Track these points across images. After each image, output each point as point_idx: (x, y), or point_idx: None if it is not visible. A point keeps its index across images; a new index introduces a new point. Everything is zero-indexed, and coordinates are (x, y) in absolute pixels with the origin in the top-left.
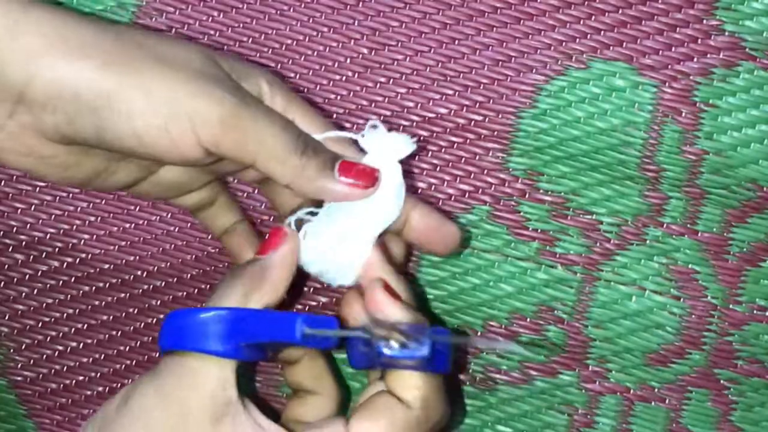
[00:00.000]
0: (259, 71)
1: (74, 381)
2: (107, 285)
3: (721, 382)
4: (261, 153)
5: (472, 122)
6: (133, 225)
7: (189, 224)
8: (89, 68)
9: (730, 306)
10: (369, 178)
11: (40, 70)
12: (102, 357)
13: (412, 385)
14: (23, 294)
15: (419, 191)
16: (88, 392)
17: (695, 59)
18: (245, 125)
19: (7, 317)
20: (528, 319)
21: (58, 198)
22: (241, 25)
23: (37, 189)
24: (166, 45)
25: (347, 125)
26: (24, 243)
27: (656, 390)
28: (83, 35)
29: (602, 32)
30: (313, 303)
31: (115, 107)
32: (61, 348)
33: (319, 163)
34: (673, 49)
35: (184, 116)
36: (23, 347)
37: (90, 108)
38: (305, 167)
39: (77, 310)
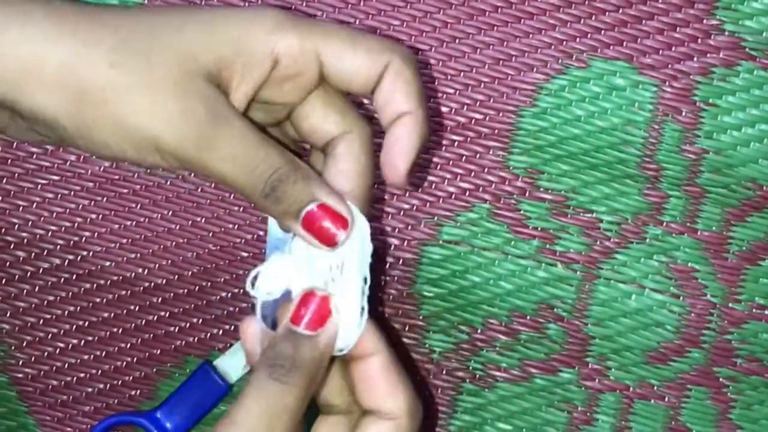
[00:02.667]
0: (260, 20)
1: (75, 378)
2: (108, 282)
3: (721, 380)
4: (228, 185)
5: (473, 121)
6: (134, 223)
7: (190, 222)
8: (64, 102)
9: (730, 304)
10: (329, 240)
11: (23, 94)
12: (103, 354)
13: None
14: (24, 291)
15: (420, 189)
16: (89, 389)
17: (695, 59)
18: (206, 165)
19: (8, 314)
20: (528, 317)
21: (59, 195)
22: None
23: (39, 186)
24: (159, 46)
25: None
26: (25, 240)
27: (656, 388)
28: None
29: (603, 31)
30: None
31: (92, 138)
32: (62, 345)
33: (283, 210)
34: (674, 48)
35: (152, 150)
36: (24, 344)
37: (70, 134)
38: (268, 209)
39: (78, 308)
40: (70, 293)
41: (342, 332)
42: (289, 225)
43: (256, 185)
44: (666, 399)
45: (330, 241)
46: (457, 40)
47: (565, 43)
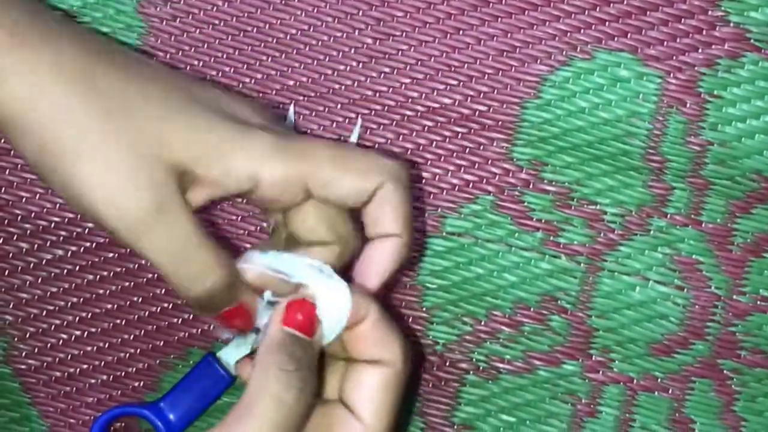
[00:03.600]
0: (259, 144)
1: (78, 369)
2: (111, 274)
3: (725, 372)
4: (161, 273)
5: (477, 112)
6: None
7: None
8: (31, 153)
9: (734, 297)
10: (238, 328)
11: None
12: (106, 345)
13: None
14: (27, 282)
15: (423, 182)
16: (92, 381)
17: (700, 50)
18: (140, 248)
19: (11, 306)
20: (531, 309)
21: None
22: (246, 15)
23: None
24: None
25: (351, 115)
26: (28, 232)
27: (659, 380)
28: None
29: (607, 23)
30: None
31: (53, 189)
32: (65, 337)
33: (205, 313)
34: (678, 39)
35: (92, 218)
36: (27, 336)
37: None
38: (191, 306)
39: (81, 299)
40: (74, 285)
41: (329, 324)
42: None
43: (189, 288)
44: (670, 391)
45: (240, 330)
46: (460, 31)
47: (569, 34)
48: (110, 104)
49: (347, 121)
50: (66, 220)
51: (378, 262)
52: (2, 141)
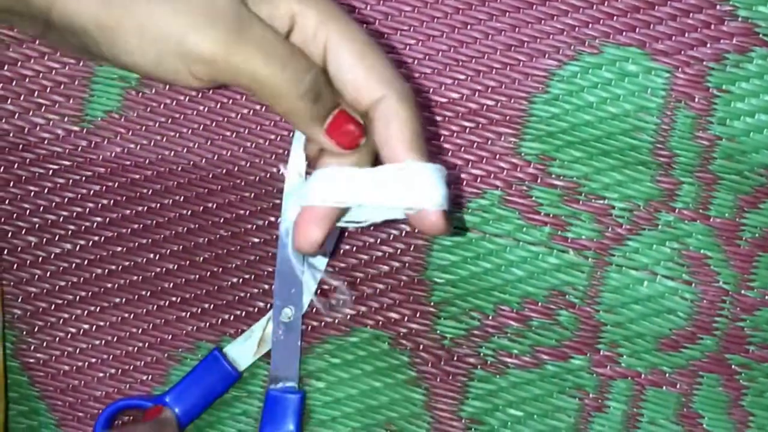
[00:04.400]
0: None
1: (86, 363)
2: (120, 268)
3: (733, 367)
4: (257, 90)
5: (485, 107)
6: (145, 208)
7: (202, 208)
8: (93, 5)
9: (742, 291)
10: (351, 142)
11: (55, 4)
12: (114, 339)
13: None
14: (36, 276)
15: None
16: (100, 374)
17: (708, 45)
18: (236, 64)
19: (20, 300)
20: (539, 304)
21: (71, 181)
22: None
23: (51, 172)
24: None
25: None
26: (37, 226)
27: (667, 375)
28: None
29: (615, 17)
30: (325, 287)
31: (116, 44)
32: (73, 330)
33: (312, 114)
34: (686, 34)
35: (174, 56)
36: (36, 329)
37: (97, 41)
38: (296, 113)
39: (90, 293)
40: (82, 279)
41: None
42: (312, 132)
43: (292, 85)
44: (678, 386)
45: (353, 144)
46: (468, 26)
47: (577, 29)
48: None
49: None
50: (74, 214)
51: (396, 148)
52: (5, 135)
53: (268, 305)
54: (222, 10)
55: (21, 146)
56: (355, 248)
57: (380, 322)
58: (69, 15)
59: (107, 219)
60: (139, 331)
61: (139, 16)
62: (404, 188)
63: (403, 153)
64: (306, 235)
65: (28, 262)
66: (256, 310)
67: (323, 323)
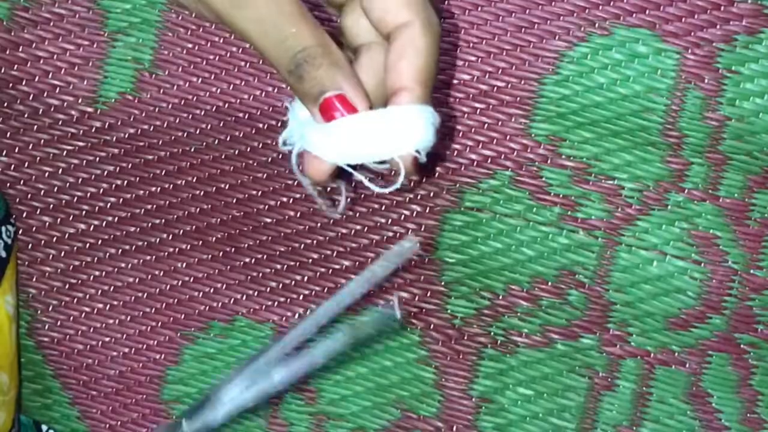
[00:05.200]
0: None
1: (100, 342)
2: (133, 248)
3: (742, 346)
4: (255, 48)
5: (495, 88)
6: (159, 189)
7: (214, 188)
8: None
9: (751, 271)
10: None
11: None
12: (128, 318)
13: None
14: (50, 256)
15: (442, 157)
16: (114, 353)
17: (718, 26)
18: (233, 19)
19: (34, 279)
20: (549, 283)
21: (85, 162)
22: None
23: (65, 153)
24: None
25: None
26: (51, 206)
27: (677, 354)
28: None
29: None
30: (337, 266)
31: None
32: (87, 309)
33: (303, 90)
34: (696, 16)
35: None
36: (50, 309)
37: None
38: (291, 85)
39: (104, 273)
40: (96, 258)
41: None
42: (307, 107)
43: (282, 58)
44: (687, 365)
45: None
46: (479, 8)
47: (587, 10)
48: None
49: None
50: (89, 194)
51: (404, 70)
52: (19, 116)
53: (281, 285)
54: None
55: (36, 127)
56: (366, 228)
57: (391, 302)
58: None
59: (121, 199)
60: (152, 310)
61: None
62: (392, 134)
63: (408, 81)
64: (314, 167)
65: (43, 242)
66: (268, 289)
67: None
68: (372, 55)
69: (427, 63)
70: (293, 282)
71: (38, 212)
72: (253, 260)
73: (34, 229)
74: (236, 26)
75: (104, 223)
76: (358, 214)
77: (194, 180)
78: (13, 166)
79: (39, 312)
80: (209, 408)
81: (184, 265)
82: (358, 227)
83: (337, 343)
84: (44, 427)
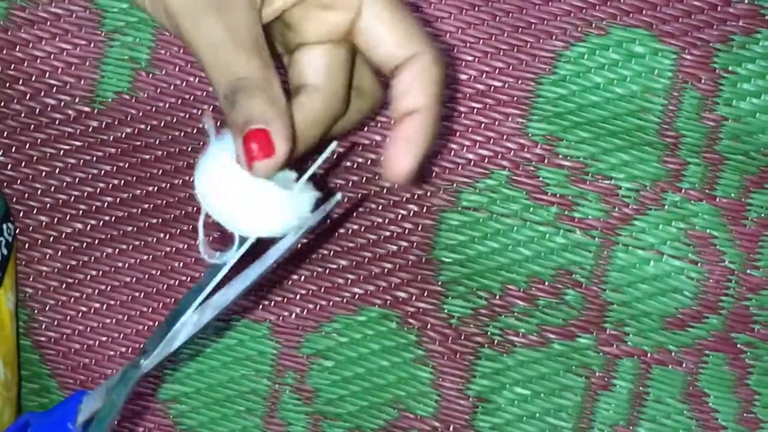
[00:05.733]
0: None
1: (97, 342)
2: (130, 247)
3: (738, 346)
4: (202, 67)
5: (492, 88)
6: (156, 188)
7: None
8: None
9: (748, 271)
10: (248, 163)
11: None
12: (125, 318)
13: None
14: (47, 256)
15: (439, 156)
16: (111, 353)
17: (715, 26)
18: (191, 37)
19: (31, 278)
20: (546, 283)
21: (82, 161)
22: None
23: (62, 152)
24: None
25: None
26: (48, 205)
27: (673, 353)
28: None
29: None
30: (333, 266)
31: None
32: (84, 309)
33: (232, 117)
34: (693, 16)
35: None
36: (47, 308)
37: None
38: (224, 109)
39: (100, 272)
40: (93, 258)
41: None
42: (233, 135)
43: (222, 81)
44: (684, 365)
45: (248, 165)
46: (476, 8)
47: (584, 10)
48: None
49: None
50: (86, 194)
51: (411, 142)
52: (16, 115)
53: (277, 284)
54: None
55: (33, 126)
56: (363, 228)
57: (388, 301)
58: None
59: (118, 199)
60: (149, 310)
61: None
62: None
63: (424, 102)
64: None
65: (40, 241)
66: (264, 288)
67: (331, 302)
68: (313, 98)
69: (439, 93)
70: (290, 281)
71: (35, 212)
72: None
73: (31, 228)
74: (191, 42)
75: (101, 223)
76: (354, 214)
77: (191, 179)
78: (10, 165)
79: (36, 311)
80: (166, 340)
81: (181, 264)
82: (355, 227)
83: (288, 241)
84: None
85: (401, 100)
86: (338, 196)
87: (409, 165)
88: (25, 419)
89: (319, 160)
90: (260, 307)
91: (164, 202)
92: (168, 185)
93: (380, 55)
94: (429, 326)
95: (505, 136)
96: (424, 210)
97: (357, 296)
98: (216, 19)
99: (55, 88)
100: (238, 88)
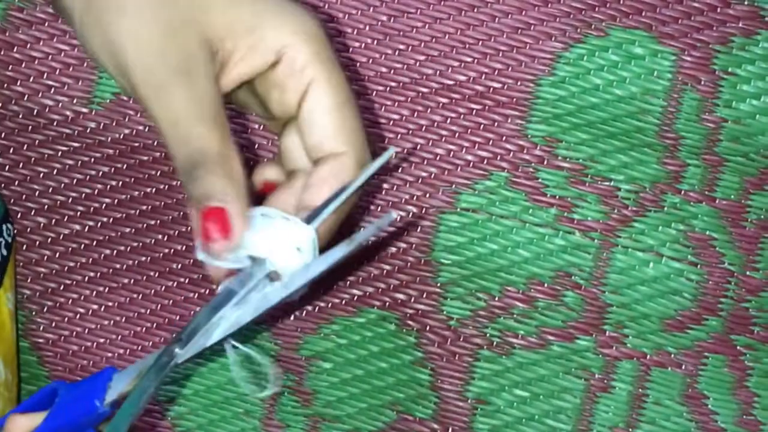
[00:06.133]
0: (291, 20)
1: (95, 343)
2: (128, 249)
3: (738, 348)
4: (163, 138)
5: (491, 89)
6: (154, 190)
7: None
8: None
9: (747, 273)
10: (205, 242)
11: None
12: (123, 320)
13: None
14: (45, 257)
15: (437, 157)
16: (109, 354)
17: (714, 28)
18: (151, 107)
19: (29, 280)
20: (545, 285)
21: (80, 162)
22: None
23: (60, 153)
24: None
25: (366, 92)
26: (46, 207)
27: (673, 355)
28: None
29: (621, 0)
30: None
31: (89, 41)
32: (82, 311)
33: (188, 191)
34: (693, 17)
35: (123, 69)
36: (45, 310)
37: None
38: (183, 182)
39: (98, 274)
40: (90, 260)
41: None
42: (189, 210)
43: (180, 154)
44: (683, 367)
45: (205, 243)
46: (475, 9)
47: (583, 11)
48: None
49: (361, 98)
50: (84, 195)
51: (323, 193)
52: (14, 116)
53: None
54: (171, 56)
55: (30, 128)
56: (362, 229)
57: (387, 303)
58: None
59: (116, 200)
60: (148, 311)
61: (109, 24)
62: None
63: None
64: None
65: (38, 242)
66: None
67: (330, 304)
68: (329, 168)
69: (355, 196)
70: None
71: (33, 213)
72: None
73: (28, 230)
74: (151, 112)
75: (99, 224)
76: (353, 215)
77: None
78: (7, 166)
79: (34, 313)
80: (201, 333)
81: (180, 266)
82: (353, 228)
83: (340, 251)
84: None
85: (307, 192)
86: (393, 214)
87: (330, 228)
88: (52, 387)
89: (376, 164)
90: None
91: (162, 203)
92: (166, 186)
93: (310, 142)
94: (428, 328)
95: (504, 138)
96: (423, 211)
97: (356, 298)
98: (177, 93)
99: (52, 89)
100: (197, 163)
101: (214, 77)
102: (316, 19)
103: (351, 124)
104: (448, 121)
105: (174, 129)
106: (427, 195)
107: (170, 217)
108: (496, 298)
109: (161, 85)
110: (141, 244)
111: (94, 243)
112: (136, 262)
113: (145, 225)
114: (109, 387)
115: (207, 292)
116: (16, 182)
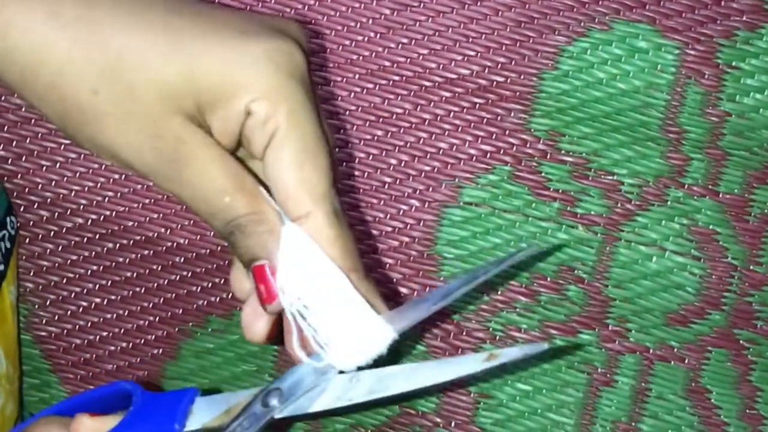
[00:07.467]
0: (255, 71)
1: (98, 336)
2: (131, 242)
3: (741, 342)
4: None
5: (494, 83)
6: None
7: None
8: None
9: (751, 267)
10: (261, 301)
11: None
12: (126, 313)
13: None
14: (48, 250)
15: (440, 151)
16: (112, 348)
17: (718, 21)
18: (172, 190)
19: (32, 273)
20: (548, 279)
21: (82, 156)
22: None
23: (62, 146)
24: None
25: (369, 86)
26: (49, 200)
27: (675, 350)
28: None
29: None
30: None
31: (78, 143)
32: (85, 304)
33: (236, 255)
34: (697, 11)
35: (125, 166)
36: (48, 303)
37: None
38: (229, 246)
39: (101, 267)
40: (93, 253)
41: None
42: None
43: (216, 227)
44: (686, 361)
45: (262, 302)
46: (478, 2)
47: (587, 5)
48: (115, 64)
49: (364, 92)
50: (86, 188)
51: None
52: (16, 109)
53: None
54: (165, 147)
55: (32, 120)
56: (364, 223)
57: (389, 297)
58: (35, 105)
59: (118, 193)
60: (150, 305)
61: (92, 136)
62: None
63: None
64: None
65: (40, 236)
66: None
67: None
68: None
69: (344, 248)
70: None
71: (35, 206)
72: None
73: (31, 223)
74: (170, 192)
75: (102, 218)
76: (358, 208)
77: None
78: (10, 159)
79: (36, 306)
80: (303, 393)
81: (182, 259)
82: (356, 222)
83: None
84: None
85: (284, 205)
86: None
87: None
88: (126, 388)
89: (520, 255)
90: None
91: (165, 196)
92: None
93: (278, 200)
94: (431, 322)
95: (507, 132)
96: (426, 205)
97: None
98: (189, 178)
99: None
100: (233, 229)
101: (214, 143)
102: (288, 43)
103: (315, 177)
104: (451, 114)
105: (200, 207)
106: (430, 189)
107: (172, 211)
108: (499, 292)
109: (170, 178)
110: (144, 237)
111: (97, 236)
112: (139, 255)
113: (147, 218)
114: (190, 411)
115: (210, 285)
116: (19, 175)
